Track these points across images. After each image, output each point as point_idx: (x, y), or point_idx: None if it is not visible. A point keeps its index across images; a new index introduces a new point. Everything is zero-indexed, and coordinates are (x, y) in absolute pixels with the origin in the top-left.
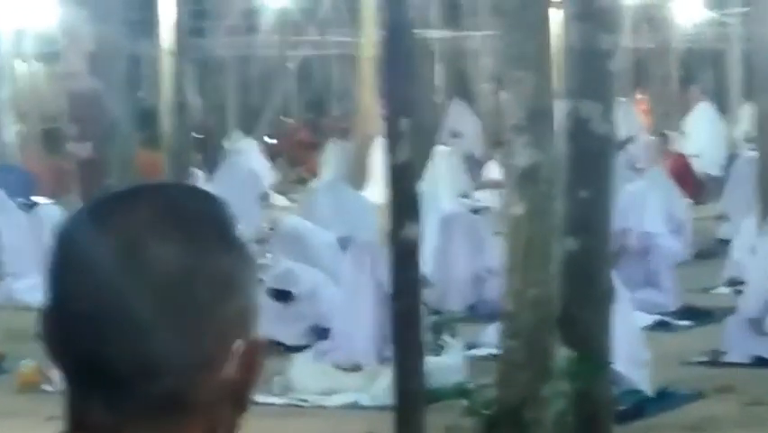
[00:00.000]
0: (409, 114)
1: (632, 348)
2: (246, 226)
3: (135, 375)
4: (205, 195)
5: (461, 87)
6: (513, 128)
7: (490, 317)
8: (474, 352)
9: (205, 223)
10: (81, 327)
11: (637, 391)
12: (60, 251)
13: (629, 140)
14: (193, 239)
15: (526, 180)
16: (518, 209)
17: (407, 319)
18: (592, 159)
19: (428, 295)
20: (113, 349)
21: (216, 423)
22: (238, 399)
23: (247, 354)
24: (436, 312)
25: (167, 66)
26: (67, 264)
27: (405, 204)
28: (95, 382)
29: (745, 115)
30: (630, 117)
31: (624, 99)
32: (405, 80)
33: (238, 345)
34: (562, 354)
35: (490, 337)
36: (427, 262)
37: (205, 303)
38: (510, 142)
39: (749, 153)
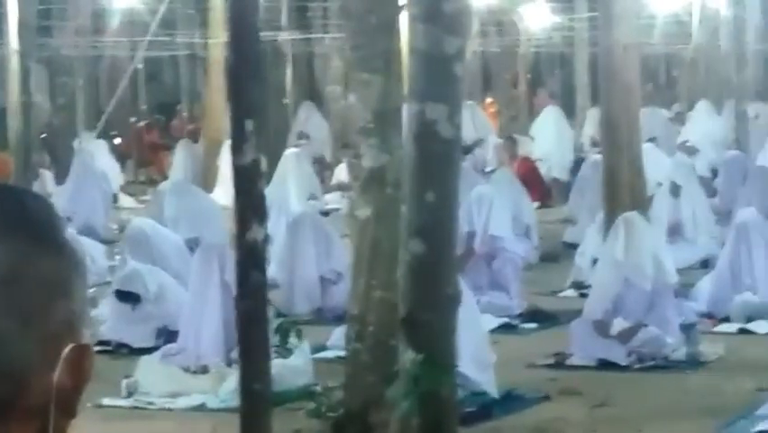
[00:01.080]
0: (255, 115)
1: (477, 351)
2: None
3: None
4: (32, 196)
5: (311, 90)
6: (360, 131)
7: (338, 319)
8: (321, 354)
9: (32, 224)
10: None
11: (483, 394)
12: None
13: (477, 143)
14: (19, 241)
15: (373, 183)
16: (365, 212)
17: (253, 321)
18: (438, 162)
19: (275, 297)
20: None
21: (45, 429)
22: (66, 404)
23: (75, 359)
24: (283, 314)
25: (13, 65)
26: None
27: (251, 206)
28: None
29: (592, 119)
30: (478, 120)
31: (472, 103)
32: (251, 82)
33: (66, 349)
34: (408, 356)
35: (337, 340)
36: (275, 265)
37: (32, 306)
38: (357, 145)
39: (595, 157)
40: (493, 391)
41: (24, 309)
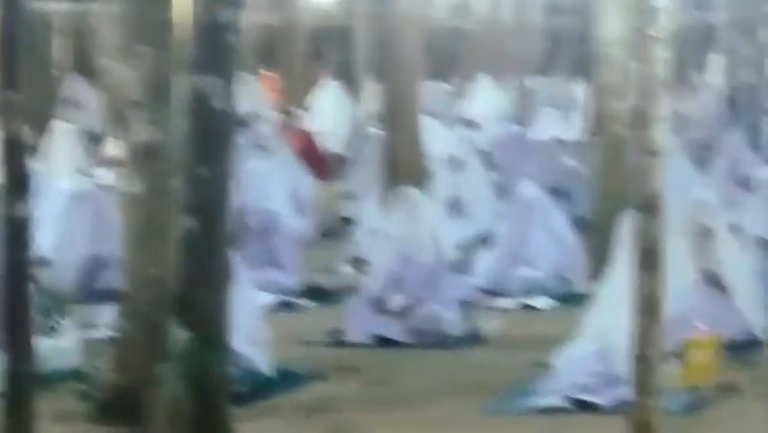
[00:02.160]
0: (21, 87)
1: (252, 329)
2: None
3: None
4: None
5: (83, 62)
6: (132, 104)
7: (109, 297)
8: (92, 334)
9: None
10: None
11: (258, 372)
12: None
13: (254, 117)
14: None
15: (146, 158)
16: (137, 187)
17: (17, 300)
18: (213, 136)
19: (45, 275)
20: None
21: None
22: None
23: None
24: (53, 293)
25: None
26: None
27: (16, 181)
28: None
29: (372, 94)
30: (256, 94)
31: (250, 76)
32: (15, 53)
33: None
34: (180, 335)
35: (109, 319)
36: (47, 241)
37: None
38: (129, 119)
39: (375, 132)
40: (268, 370)
41: None
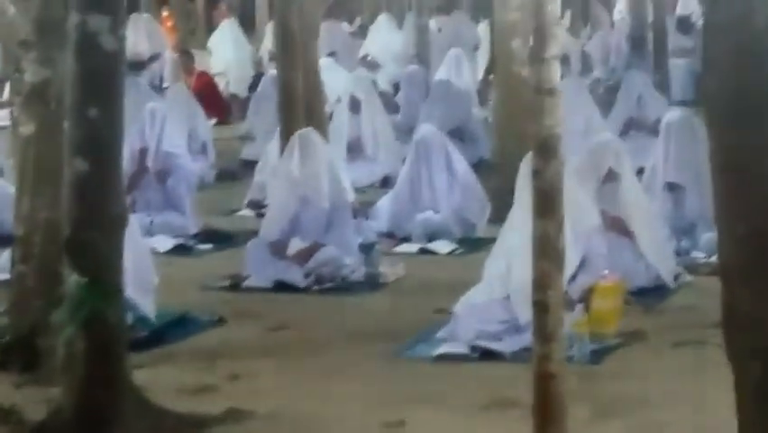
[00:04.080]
0: None
1: (144, 274)
2: None
3: None
4: None
5: None
6: (21, 44)
7: (4, 242)
8: None
9: None
10: None
11: (154, 318)
12: None
13: (152, 58)
14: None
15: (35, 99)
16: (28, 129)
17: None
18: (101, 76)
19: None
20: None
21: None
22: None
23: None
24: None
25: None
26: None
27: None
28: None
29: (271, 34)
30: (154, 35)
31: (147, 16)
32: None
33: None
34: (72, 279)
35: (3, 263)
36: None
37: None
38: (19, 59)
39: (273, 72)
40: (164, 315)
41: None
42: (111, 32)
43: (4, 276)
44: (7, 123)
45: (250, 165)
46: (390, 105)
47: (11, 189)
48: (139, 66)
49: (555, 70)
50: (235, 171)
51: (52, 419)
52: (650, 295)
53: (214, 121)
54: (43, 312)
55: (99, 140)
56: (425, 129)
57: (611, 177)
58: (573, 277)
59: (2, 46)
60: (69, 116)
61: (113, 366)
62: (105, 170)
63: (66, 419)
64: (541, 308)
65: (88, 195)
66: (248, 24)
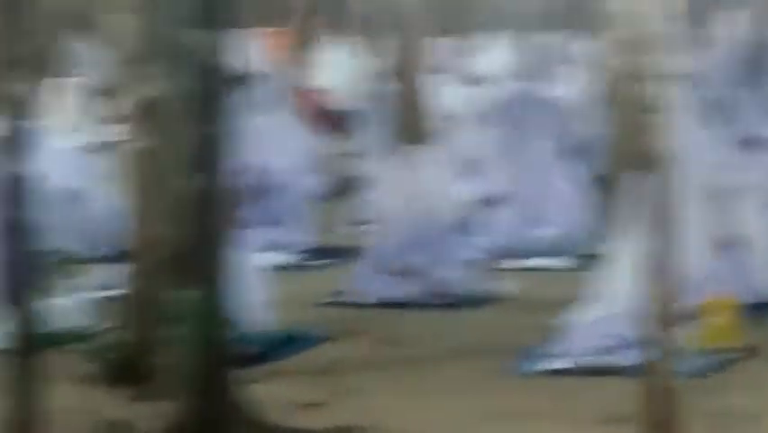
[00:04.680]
0: (20, 42)
1: (258, 290)
2: None
3: None
4: None
5: (83, 17)
6: (137, 60)
7: (116, 257)
8: (99, 293)
9: None
10: None
11: (264, 334)
12: None
13: (261, 74)
14: None
15: (146, 115)
16: (141, 145)
17: (19, 260)
18: (211, 93)
19: (52, 235)
20: None
21: None
22: None
23: None
24: (59, 252)
25: None
26: None
27: (15, 138)
28: None
29: (382, 50)
30: (262, 51)
31: (257, 31)
32: (16, 7)
33: None
34: (185, 295)
35: (114, 278)
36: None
37: None
38: (134, 76)
39: (386, 88)
40: (272, 332)
41: None
42: (221, 50)
43: (116, 292)
44: (117, 138)
45: (360, 182)
46: (499, 122)
47: (120, 206)
48: (246, 82)
49: (666, 88)
50: (345, 188)
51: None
52: (763, 310)
53: (324, 137)
54: (155, 328)
55: (210, 156)
56: (537, 146)
57: (722, 194)
58: (687, 292)
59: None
60: (180, 133)
61: (223, 382)
62: (215, 187)
63: None
64: (655, 323)
65: (199, 211)
66: (356, 40)
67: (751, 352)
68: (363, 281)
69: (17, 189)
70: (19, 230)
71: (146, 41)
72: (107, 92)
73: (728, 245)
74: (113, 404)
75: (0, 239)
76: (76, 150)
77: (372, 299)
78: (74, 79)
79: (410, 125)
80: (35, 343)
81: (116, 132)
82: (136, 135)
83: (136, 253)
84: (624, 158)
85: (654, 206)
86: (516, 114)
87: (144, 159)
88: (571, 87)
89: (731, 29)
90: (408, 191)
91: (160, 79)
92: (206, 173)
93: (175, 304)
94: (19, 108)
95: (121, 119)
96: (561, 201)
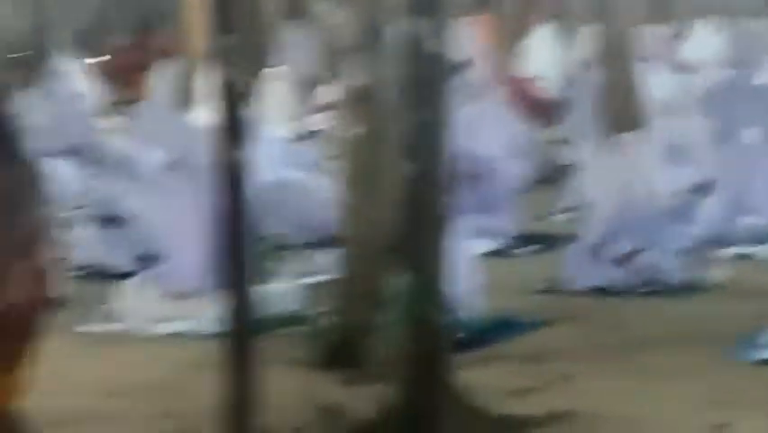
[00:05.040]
0: (236, 32)
1: (469, 276)
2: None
3: None
4: None
5: (296, 6)
6: (348, 48)
7: (326, 242)
8: (310, 278)
9: None
10: None
11: (476, 320)
12: None
13: (469, 61)
14: None
15: (361, 102)
16: (353, 132)
17: (236, 245)
18: (426, 80)
19: (262, 220)
20: None
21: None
22: (17, 327)
23: (30, 278)
24: (271, 237)
25: None
26: None
27: (233, 125)
28: None
29: (587, 37)
30: (470, 38)
31: (464, 19)
32: None
33: (22, 267)
34: (399, 280)
35: (327, 263)
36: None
37: None
38: (345, 63)
39: (592, 75)
40: (486, 318)
41: None
42: (436, 36)
43: (329, 278)
44: (326, 127)
45: (566, 169)
46: (708, 110)
47: (333, 192)
48: (455, 70)
49: None
50: (553, 175)
51: (378, 417)
52: None
53: (532, 124)
54: (369, 313)
55: (425, 143)
56: (748, 134)
57: None
58: None
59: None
60: (395, 120)
61: (437, 367)
62: (430, 173)
63: (391, 418)
64: None
65: (414, 197)
66: (565, 27)
67: None
68: (574, 268)
69: (234, 177)
70: (235, 217)
71: (358, 29)
72: (319, 81)
73: None
74: (326, 388)
75: (217, 225)
76: (288, 139)
77: (583, 286)
78: (287, 69)
79: (619, 112)
80: (250, 327)
81: (327, 120)
82: (349, 123)
83: (349, 238)
84: None
85: None
86: (726, 101)
87: (357, 146)
88: None
89: None
90: (618, 178)
91: (373, 67)
92: (422, 160)
93: (390, 289)
94: (236, 97)
95: (332, 107)
96: None
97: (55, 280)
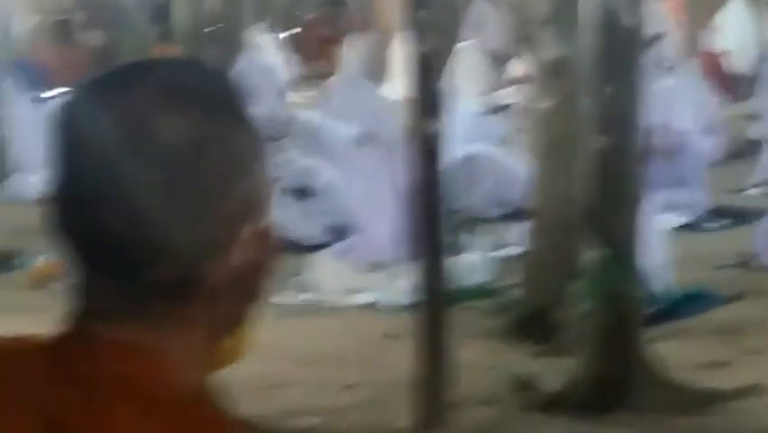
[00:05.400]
0: (429, 5)
1: (660, 249)
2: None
3: (140, 259)
4: (215, 71)
5: None
6: (539, 22)
7: (518, 214)
8: (500, 251)
9: (216, 100)
10: (85, 210)
11: (667, 294)
12: (62, 130)
13: (659, 36)
14: (202, 116)
15: (553, 75)
16: (544, 105)
17: (429, 217)
18: (621, 53)
19: (454, 191)
20: (116, 231)
21: (224, 310)
22: (247, 287)
23: (256, 240)
24: (461, 209)
25: None
26: (69, 144)
27: (427, 98)
28: (99, 266)
29: None
30: (660, 13)
31: None
32: None
33: (247, 229)
34: (591, 254)
35: (517, 236)
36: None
37: (213, 183)
38: (536, 37)
39: None
40: (677, 291)
41: (205, 187)
42: (630, 10)
43: (520, 250)
44: (517, 100)
45: (756, 144)
46: None
47: (522, 165)
48: (646, 44)
49: None
50: (743, 150)
51: (568, 390)
52: None
53: (725, 99)
54: (559, 285)
55: (618, 117)
56: None
57: None
58: None
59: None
60: (588, 93)
61: (628, 340)
62: (623, 147)
63: (581, 391)
64: None
65: (606, 170)
66: (757, 2)
67: None
68: (765, 243)
69: (428, 149)
70: (429, 189)
71: (552, 2)
72: (510, 54)
73: None
74: (517, 360)
75: (411, 197)
76: (480, 112)
77: None
78: (478, 42)
79: None
80: (443, 299)
81: (519, 93)
82: (541, 96)
83: (541, 211)
84: None
85: None
86: None
87: (550, 120)
88: None
89: None
90: None
91: (567, 40)
92: (615, 133)
93: (582, 262)
94: (430, 70)
95: (524, 81)
96: None
97: (276, 244)
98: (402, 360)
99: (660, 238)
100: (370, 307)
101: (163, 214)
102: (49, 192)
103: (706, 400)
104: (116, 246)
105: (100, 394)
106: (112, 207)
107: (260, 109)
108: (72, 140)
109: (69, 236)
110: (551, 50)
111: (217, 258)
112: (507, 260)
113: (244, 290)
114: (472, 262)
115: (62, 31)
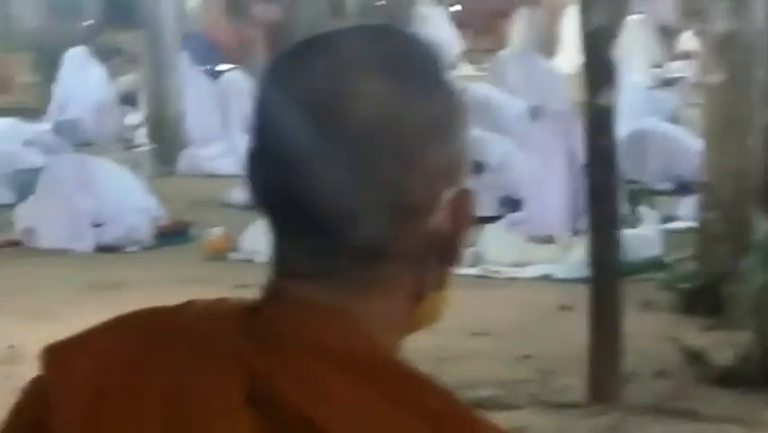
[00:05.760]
0: None
1: None
2: None
3: (339, 221)
4: (416, 36)
5: None
6: None
7: (688, 188)
8: (671, 225)
9: (417, 64)
10: (283, 172)
11: None
12: (263, 91)
13: None
14: (403, 80)
15: (724, 48)
16: (716, 78)
17: (602, 190)
18: None
19: (625, 165)
20: (315, 194)
21: (423, 274)
22: (446, 250)
23: (456, 204)
24: (633, 183)
25: None
26: (269, 106)
27: (599, 70)
28: (297, 229)
29: None
30: None
31: None
32: None
33: (446, 193)
34: (762, 227)
35: (688, 210)
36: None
37: (412, 148)
38: (707, 10)
39: None
40: None
41: (404, 151)
42: None
43: (691, 223)
44: (685, 74)
45: None
46: None
47: (692, 138)
48: None
49: None
50: None
51: (739, 364)
52: None
53: None
54: (731, 259)
55: None
56: None
57: None
58: None
59: None
60: (761, 66)
61: None
62: None
63: (753, 366)
64: None
65: None
66: None
67: None
68: None
69: (602, 122)
70: (603, 162)
71: None
72: (679, 28)
73: None
74: (687, 333)
75: (584, 170)
76: (649, 86)
77: None
78: (648, 16)
79: None
80: (615, 272)
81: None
82: (711, 70)
83: (712, 185)
84: None
85: None
86: None
87: (721, 94)
88: None
89: None
90: None
91: (739, 13)
92: None
93: (754, 235)
94: (603, 43)
95: (694, 54)
96: None
97: (475, 207)
98: (576, 332)
99: None
100: (543, 279)
101: (360, 176)
102: (248, 160)
103: None
104: (313, 209)
105: (296, 353)
106: (309, 169)
107: None
108: (273, 102)
109: (265, 197)
110: (722, 23)
111: (417, 221)
112: (678, 233)
113: (443, 253)
114: (644, 236)
115: (235, 5)
